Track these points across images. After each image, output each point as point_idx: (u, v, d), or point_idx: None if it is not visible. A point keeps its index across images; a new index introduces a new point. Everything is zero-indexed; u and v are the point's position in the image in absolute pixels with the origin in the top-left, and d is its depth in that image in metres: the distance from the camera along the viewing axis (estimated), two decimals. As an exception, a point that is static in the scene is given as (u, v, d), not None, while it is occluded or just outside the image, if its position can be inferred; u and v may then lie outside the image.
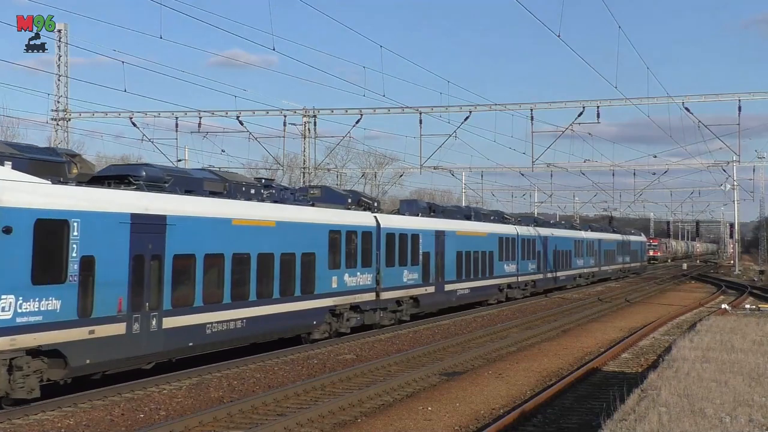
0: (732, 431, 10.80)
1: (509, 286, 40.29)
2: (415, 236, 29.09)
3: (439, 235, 31.41)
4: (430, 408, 14.83)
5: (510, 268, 39.91)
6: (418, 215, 31.53)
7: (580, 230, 58.48)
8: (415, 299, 29.22)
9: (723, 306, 36.26)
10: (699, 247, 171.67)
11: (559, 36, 28.66)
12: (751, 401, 12.69)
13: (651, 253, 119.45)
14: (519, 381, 17.90)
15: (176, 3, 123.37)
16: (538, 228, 46.43)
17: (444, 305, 32.81)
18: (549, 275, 47.26)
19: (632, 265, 72.85)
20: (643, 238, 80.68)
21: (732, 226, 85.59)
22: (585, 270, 56.33)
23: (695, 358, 17.19)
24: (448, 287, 32.27)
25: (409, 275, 28.57)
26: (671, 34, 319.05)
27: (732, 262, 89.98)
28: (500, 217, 43.54)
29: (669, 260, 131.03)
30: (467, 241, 34.40)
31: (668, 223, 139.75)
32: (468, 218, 37.25)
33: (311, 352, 21.64)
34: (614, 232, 68.82)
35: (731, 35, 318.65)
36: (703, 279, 69.53)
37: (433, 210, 33.52)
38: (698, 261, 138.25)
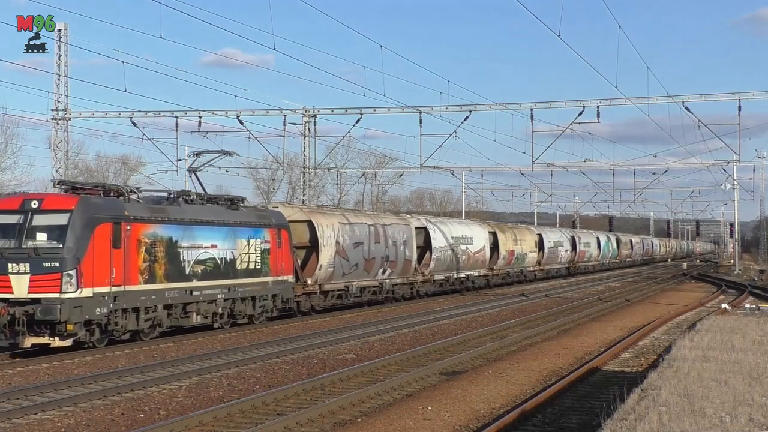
0: (732, 431, 10.80)
1: None
2: None
3: None
4: (430, 408, 14.82)
5: None
6: None
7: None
8: None
9: (723, 305, 36.22)
10: (699, 246, 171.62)
11: (559, 36, 28.60)
12: (751, 401, 12.68)
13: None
14: (519, 380, 17.89)
15: (176, 2, 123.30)
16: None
17: None
18: None
19: None
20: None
21: (732, 225, 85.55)
22: None
23: (695, 358, 17.17)
24: None
25: None
26: (671, 33, 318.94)
27: (732, 261, 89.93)
28: None
29: (669, 260, 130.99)
30: None
31: (668, 222, 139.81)
32: None
33: (311, 352, 21.65)
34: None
35: (730, 34, 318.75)
36: (703, 278, 69.49)
37: None
38: (698, 260, 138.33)
